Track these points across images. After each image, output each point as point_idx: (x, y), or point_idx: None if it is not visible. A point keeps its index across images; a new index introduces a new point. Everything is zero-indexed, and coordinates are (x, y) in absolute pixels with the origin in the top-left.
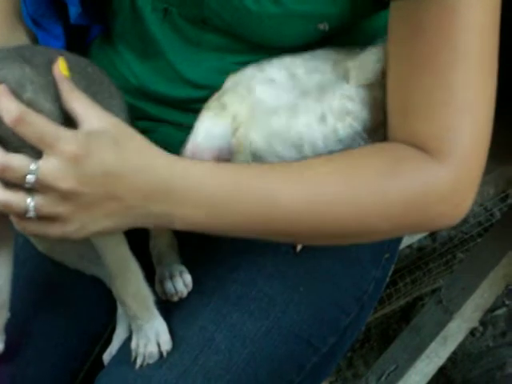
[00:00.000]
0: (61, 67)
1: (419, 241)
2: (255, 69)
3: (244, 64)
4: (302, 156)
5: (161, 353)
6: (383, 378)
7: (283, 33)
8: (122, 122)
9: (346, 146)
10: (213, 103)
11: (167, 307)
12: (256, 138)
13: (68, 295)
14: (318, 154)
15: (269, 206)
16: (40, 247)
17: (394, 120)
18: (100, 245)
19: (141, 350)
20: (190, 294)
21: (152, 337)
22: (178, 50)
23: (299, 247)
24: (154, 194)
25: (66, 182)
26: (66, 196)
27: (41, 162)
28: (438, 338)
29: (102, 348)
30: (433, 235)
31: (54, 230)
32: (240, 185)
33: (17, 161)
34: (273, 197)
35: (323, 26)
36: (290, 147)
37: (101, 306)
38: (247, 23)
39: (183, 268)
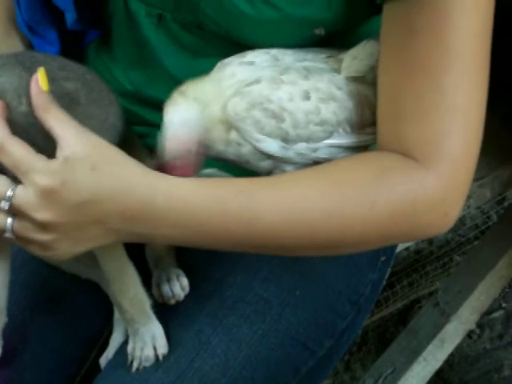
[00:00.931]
0: (41, 79)
1: (416, 244)
2: (235, 56)
3: None
4: (282, 130)
5: (157, 356)
6: (380, 380)
7: (279, 37)
8: (102, 141)
9: (327, 132)
10: (172, 95)
11: (163, 311)
12: (235, 107)
13: (64, 300)
14: (296, 131)
15: (253, 225)
16: None
17: (383, 125)
18: (97, 250)
19: (137, 353)
20: (186, 297)
21: (148, 340)
22: (173, 55)
23: None
24: (135, 215)
25: (40, 214)
26: (42, 226)
27: (17, 190)
28: (435, 341)
29: (99, 352)
30: (429, 238)
31: (36, 251)
32: (224, 204)
33: None
34: (257, 214)
35: (319, 31)
36: (271, 118)
37: (97, 311)
38: (243, 28)
39: (180, 271)
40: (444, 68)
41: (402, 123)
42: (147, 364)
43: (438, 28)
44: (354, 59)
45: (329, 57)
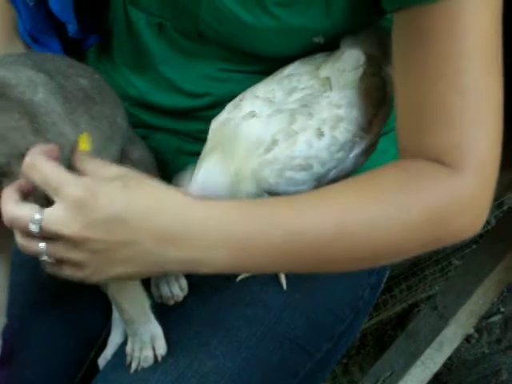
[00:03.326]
0: (82, 143)
1: None
2: (232, 110)
3: (238, 73)
4: (313, 174)
5: (156, 357)
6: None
7: (279, 45)
8: (131, 170)
9: (347, 149)
10: (211, 152)
11: (162, 312)
12: (267, 179)
13: (63, 299)
14: (326, 167)
15: (296, 240)
16: None
17: (406, 133)
18: None
19: (136, 354)
20: (185, 299)
21: (147, 341)
22: (172, 62)
23: (283, 280)
24: (170, 236)
25: (69, 228)
26: (74, 242)
27: (46, 211)
28: (434, 344)
29: (98, 352)
30: None
31: (69, 273)
32: (267, 220)
33: (21, 211)
34: (301, 229)
35: (318, 40)
36: (300, 171)
37: (96, 310)
38: (242, 36)
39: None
40: (462, 70)
41: (427, 129)
42: (146, 365)
43: (451, 30)
44: (344, 72)
45: (310, 76)
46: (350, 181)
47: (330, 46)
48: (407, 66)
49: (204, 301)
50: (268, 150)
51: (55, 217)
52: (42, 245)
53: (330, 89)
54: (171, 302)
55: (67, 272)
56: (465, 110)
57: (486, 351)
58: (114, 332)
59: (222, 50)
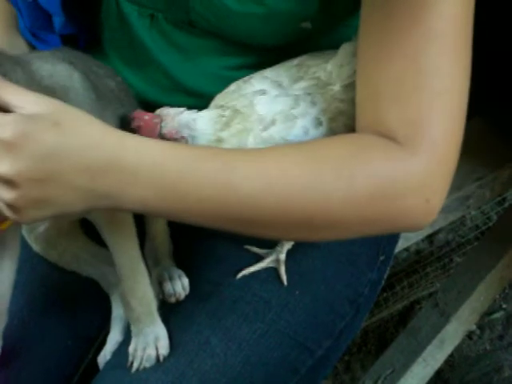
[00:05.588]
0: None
1: (416, 244)
2: (242, 84)
3: (235, 68)
4: None
5: (158, 357)
6: (380, 381)
7: (267, 32)
8: (65, 104)
9: None
10: (211, 108)
11: (163, 311)
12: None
13: (63, 298)
14: None
15: (228, 191)
16: (36, 248)
17: (362, 108)
18: (114, 246)
19: (139, 353)
20: (185, 298)
21: (151, 341)
22: (168, 55)
23: (283, 276)
24: (101, 172)
25: (1, 169)
26: (5, 181)
27: None
28: (435, 341)
29: (97, 351)
30: (430, 238)
31: (6, 213)
32: (198, 162)
33: None
34: (233, 181)
35: (306, 25)
36: None
37: (96, 309)
38: (231, 23)
39: (181, 272)
40: (423, 49)
41: (382, 105)
42: (148, 364)
43: (416, 11)
44: (342, 67)
45: (315, 68)
46: (296, 145)
47: (317, 32)
48: (371, 41)
49: (204, 299)
50: (265, 128)
51: None
52: None
53: (335, 83)
54: (173, 300)
55: (3, 212)
56: (420, 89)
57: (488, 348)
58: (113, 330)
59: (215, 42)
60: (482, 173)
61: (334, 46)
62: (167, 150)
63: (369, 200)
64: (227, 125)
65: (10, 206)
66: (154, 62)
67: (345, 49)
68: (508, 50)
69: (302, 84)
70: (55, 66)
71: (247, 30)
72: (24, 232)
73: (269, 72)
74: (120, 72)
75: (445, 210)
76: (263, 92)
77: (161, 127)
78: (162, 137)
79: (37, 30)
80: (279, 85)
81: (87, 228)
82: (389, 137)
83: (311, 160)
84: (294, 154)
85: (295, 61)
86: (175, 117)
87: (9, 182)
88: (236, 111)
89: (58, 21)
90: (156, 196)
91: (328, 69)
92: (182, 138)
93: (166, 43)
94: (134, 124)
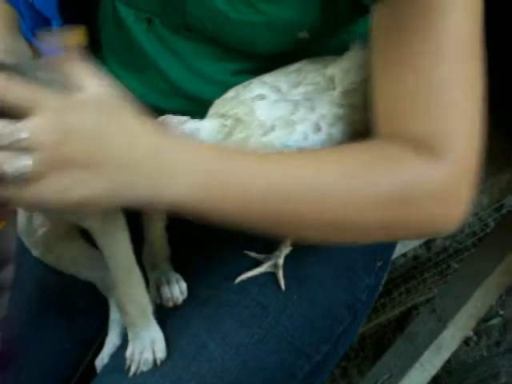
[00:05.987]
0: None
1: (414, 250)
2: (241, 90)
3: (233, 73)
4: None
5: (155, 361)
6: None
7: (264, 40)
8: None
9: None
10: (211, 116)
11: (160, 315)
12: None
13: (61, 301)
14: None
15: (264, 188)
16: (34, 252)
17: (379, 125)
18: (108, 251)
19: (136, 357)
20: (183, 302)
21: (148, 344)
22: (166, 60)
23: (281, 281)
24: (143, 161)
25: (43, 136)
26: (47, 152)
27: (22, 121)
28: (432, 347)
29: (95, 355)
30: (427, 244)
31: (30, 191)
32: (238, 166)
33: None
34: (269, 178)
35: (303, 35)
36: None
37: (93, 313)
38: (228, 30)
39: (179, 276)
40: (434, 65)
41: (399, 123)
42: (145, 368)
43: (426, 27)
44: (346, 73)
45: (316, 73)
46: (319, 150)
47: (315, 41)
48: (382, 59)
49: (202, 303)
50: (265, 133)
51: (32, 124)
52: (26, 158)
53: (334, 88)
54: (170, 304)
55: (25, 192)
56: (435, 104)
57: (485, 354)
58: (111, 333)
59: (212, 48)
60: (480, 179)
61: (335, 51)
62: (212, 151)
63: (393, 206)
64: (230, 134)
65: (36, 177)
66: (152, 67)
67: (356, 55)
68: (507, 52)
69: (301, 89)
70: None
71: (244, 38)
72: (23, 236)
73: (268, 77)
74: (119, 76)
75: None
76: (262, 97)
77: None
78: None
79: (38, 30)
80: (278, 90)
81: (85, 232)
82: (415, 145)
83: (334, 164)
84: (319, 159)
85: (294, 66)
86: (179, 126)
87: (49, 151)
88: (238, 120)
89: (56, 24)
90: (194, 193)
91: (327, 74)
92: None
93: (163, 47)
94: None
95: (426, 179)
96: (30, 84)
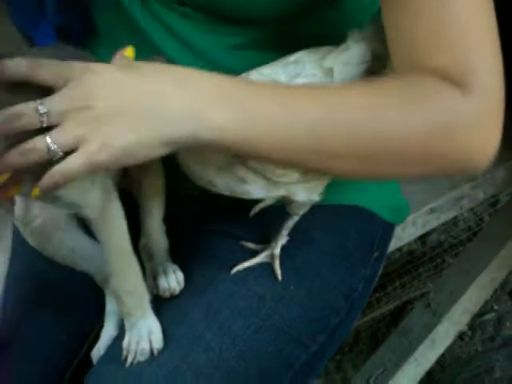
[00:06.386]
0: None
1: (409, 245)
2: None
3: (228, 48)
4: None
5: (152, 351)
6: (371, 380)
7: (261, 5)
8: None
9: None
10: None
11: (157, 305)
12: None
13: (57, 293)
14: None
15: (293, 118)
16: (31, 241)
17: (404, 67)
18: (105, 240)
19: (133, 347)
20: (179, 292)
21: (145, 334)
22: (163, 39)
23: (278, 271)
24: (171, 95)
25: (79, 86)
26: (78, 110)
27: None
28: (427, 341)
29: (91, 346)
30: (422, 239)
31: (80, 158)
32: (260, 90)
33: (24, 104)
34: (297, 104)
35: None
36: None
37: (90, 304)
38: None
39: (176, 267)
40: (446, 3)
41: (425, 61)
42: (142, 358)
43: None
44: (346, 65)
45: (314, 64)
46: (358, 81)
47: (310, 8)
48: (396, 7)
49: (199, 293)
50: None
51: (56, 98)
52: (47, 138)
53: (332, 79)
54: (167, 295)
55: (77, 159)
56: (457, 37)
57: (480, 349)
58: (107, 325)
59: (206, 22)
60: (475, 175)
61: (324, 32)
62: (231, 78)
63: (431, 134)
64: None
65: (81, 140)
66: (148, 45)
67: (357, 48)
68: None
69: (300, 80)
70: None
71: (240, 2)
72: (20, 226)
73: (266, 69)
74: None
75: (437, 210)
76: None
77: None
78: None
79: (30, 17)
80: (276, 82)
81: (82, 223)
82: (442, 76)
83: (374, 94)
84: (358, 88)
85: (292, 57)
86: None
87: (78, 110)
88: None
89: (51, 6)
90: (229, 116)
91: (325, 65)
92: None
93: (158, 24)
94: None
95: (458, 111)
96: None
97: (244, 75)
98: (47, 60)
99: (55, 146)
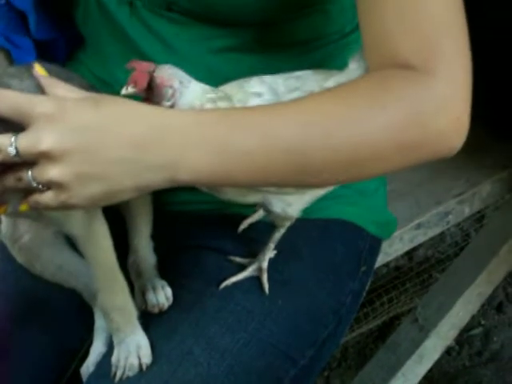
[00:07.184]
0: (39, 70)
1: (396, 260)
2: (242, 83)
3: (217, 51)
4: None
5: (141, 366)
6: None
7: (249, 7)
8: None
9: None
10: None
11: (146, 321)
12: None
13: (46, 310)
14: None
15: (270, 138)
16: (19, 259)
17: (371, 50)
18: (91, 258)
19: (121, 362)
20: (168, 308)
21: (133, 350)
22: (151, 45)
23: (265, 285)
24: (148, 142)
25: (44, 142)
26: (51, 158)
27: (21, 133)
28: (414, 357)
29: (80, 363)
30: (409, 254)
31: (53, 200)
32: (237, 122)
33: None
34: (272, 128)
35: None
36: None
37: (78, 321)
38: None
39: (164, 282)
40: None
41: (392, 40)
42: (131, 373)
43: None
44: None
45: (315, 82)
46: (322, 91)
47: (295, 12)
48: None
49: (187, 309)
50: None
51: (29, 136)
52: (29, 173)
53: None
54: (156, 310)
55: (50, 198)
56: (423, 16)
57: (467, 364)
58: (96, 341)
59: (195, 26)
60: (462, 189)
61: (310, 35)
62: (207, 112)
63: (404, 125)
64: (214, 101)
65: (57, 184)
66: (136, 52)
67: (354, 69)
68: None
69: (296, 94)
70: (22, 82)
71: (229, 6)
72: (8, 243)
73: (268, 78)
74: (102, 68)
75: (424, 225)
76: (259, 95)
77: (154, 70)
78: (152, 80)
79: (10, 33)
80: (275, 91)
81: (70, 239)
82: (405, 66)
83: (342, 98)
84: (326, 95)
85: (296, 73)
86: (171, 69)
87: (51, 158)
88: (227, 96)
89: (33, 20)
90: (208, 158)
91: (325, 86)
92: (170, 87)
93: (146, 31)
94: (129, 66)
95: (431, 93)
96: (20, 93)
97: (247, 79)
98: (9, 93)
99: (34, 183)
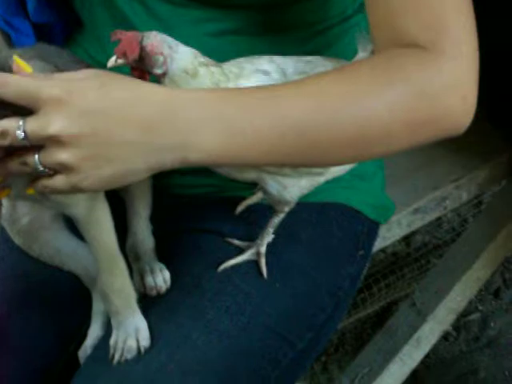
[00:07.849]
0: (21, 65)
1: (393, 245)
2: (251, 59)
3: (217, 34)
4: None
5: (139, 349)
6: (357, 380)
7: None
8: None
9: None
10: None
11: (144, 304)
12: None
13: (44, 293)
14: None
15: (279, 119)
16: (18, 241)
17: (379, 29)
18: (92, 240)
19: (119, 345)
20: (166, 291)
21: (132, 332)
22: (150, 28)
23: (264, 269)
24: (157, 124)
25: (52, 127)
26: (61, 142)
27: (29, 117)
28: (412, 341)
29: (77, 346)
30: (407, 240)
31: (63, 181)
32: (246, 102)
33: (5, 122)
34: (282, 108)
35: None
36: None
37: (77, 304)
38: None
39: (163, 265)
40: None
41: (398, 19)
42: (129, 356)
43: None
44: None
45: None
46: (327, 71)
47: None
48: None
49: (185, 292)
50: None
51: (38, 119)
52: (36, 156)
53: None
54: (154, 293)
55: (61, 182)
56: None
57: (464, 349)
58: (93, 324)
59: (196, 9)
60: (459, 174)
61: (309, 19)
62: (214, 91)
63: (410, 103)
64: (206, 65)
65: (68, 167)
66: None
67: (357, 56)
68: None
69: (303, 77)
70: (28, 63)
71: None
72: (6, 225)
73: (278, 58)
74: (102, 55)
75: (421, 210)
76: (266, 73)
77: (142, 39)
78: (142, 49)
79: (9, 16)
80: (283, 72)
81: (70, 222)
82: (414, 45)
83: (351, 75)
84: (334, 73)
85: (308, 57)
86: (159, 35)
87: (60, 142)
88: (218, 65)
89: (31, 3)
90: (218, 139)
91: None
92: (161, 54)
93: (146, 15)
94: (114, 37)
95: (439, 71)
96: (26, 76)
97: (257, 56)
98: (15, 78)
99: (41, 167)
